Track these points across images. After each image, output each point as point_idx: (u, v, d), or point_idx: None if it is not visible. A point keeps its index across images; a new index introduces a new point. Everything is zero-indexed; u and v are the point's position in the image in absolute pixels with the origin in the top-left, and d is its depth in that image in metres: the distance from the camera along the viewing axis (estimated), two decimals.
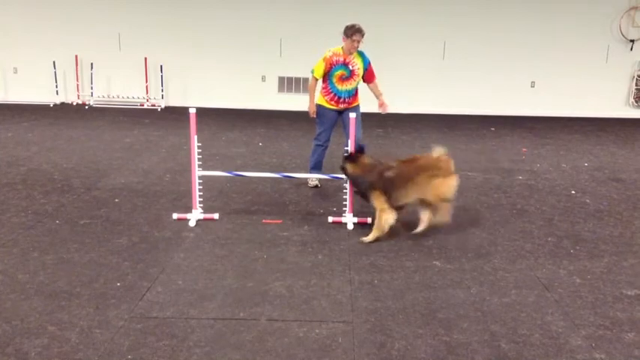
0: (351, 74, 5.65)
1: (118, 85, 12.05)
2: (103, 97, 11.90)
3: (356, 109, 5.85)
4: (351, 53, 5.61)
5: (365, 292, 3.75)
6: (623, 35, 11.54)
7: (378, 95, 5.87)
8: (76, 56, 11.88)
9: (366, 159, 4.71)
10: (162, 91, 11.76)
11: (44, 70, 11.84)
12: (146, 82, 11.87)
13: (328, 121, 5.85)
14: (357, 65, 5.67)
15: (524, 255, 4.43)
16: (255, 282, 3.86)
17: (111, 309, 3.44)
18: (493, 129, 10.14)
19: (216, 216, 5.09)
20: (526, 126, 10.52)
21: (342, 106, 5.78)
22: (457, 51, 11.73)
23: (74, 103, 12.04)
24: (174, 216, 5.06)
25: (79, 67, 11.91)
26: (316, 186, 6.15)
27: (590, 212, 5.53)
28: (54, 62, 11.69)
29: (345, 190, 5.10)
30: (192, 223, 4.92)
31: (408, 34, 11.69)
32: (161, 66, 11.63)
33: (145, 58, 11.78)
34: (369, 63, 5.78)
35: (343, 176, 5.05)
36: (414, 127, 10.10)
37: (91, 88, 11.87)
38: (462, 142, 8.89)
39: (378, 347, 3.10)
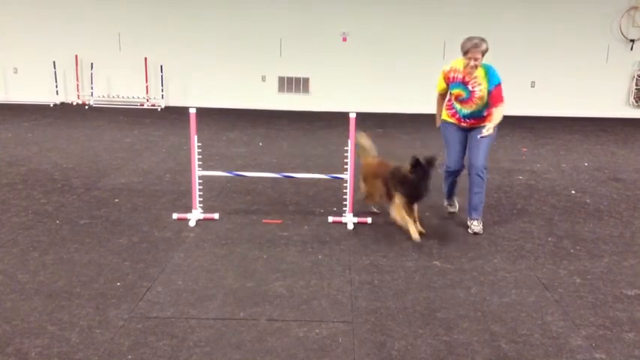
0: (470, 96, 4.69)
1: (118, 85, 12.05)
2: (103, 97, 11.91)
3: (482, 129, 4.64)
4: (471, 72, 4.63)
5: (365, 292, 3.75)
6: (623, 35, 11.54)
7: (488, 120, 4.68)
8: (76, 56, 11.88)
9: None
10: (162, 91, 11.76)
11: (44, 70, 11.84)
12: (146, 82, 11.87)
13: (452, 137, 4.93)
14: (481, 86, 4.63)
15: (524, 255, 4.43)
16: (255, 282, 3.86)
17: (111, 309, 3.44)
18: None
19: (216, 216, 5.09)
20: (526, 126, 10.52)
21: (464, 124, 4.88)
22: (457, 51, 11.72)
23: (74, 103, 12.04)
24: (175, 216, 5.06)
25: (79, 67, 11.91)
26: (453, 212, 5.34)
27: (590, 212, 5.53)
28: (54, 62, 11.69)
29: (345, 190, 5.10)
30: (192, 223, 4.92)
31: (409, 34, 11.70)
32: (161, 66, 11.63)
33: (145, 58, 11.78)
34: (498, 84, 4.65)
35: (343, 176, 5.05)
36: (414, 127, 10.10)
37: (91, 88, 11.87)
38: None
39: (378, 347, 3.10)
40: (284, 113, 11.42)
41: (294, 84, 12.07)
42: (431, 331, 3.28)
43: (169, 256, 4.25)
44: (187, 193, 5.54)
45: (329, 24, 11.73)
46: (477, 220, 4.88)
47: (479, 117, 4.77)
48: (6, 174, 6.40)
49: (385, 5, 11.59)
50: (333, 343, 3.13)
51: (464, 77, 4.67)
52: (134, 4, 11.77)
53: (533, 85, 11.90)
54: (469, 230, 4.89)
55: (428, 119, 11.01)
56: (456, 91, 4.75)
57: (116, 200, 5.56)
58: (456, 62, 4.74)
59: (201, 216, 5.05)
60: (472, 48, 4.49)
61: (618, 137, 9.59)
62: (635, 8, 11.43)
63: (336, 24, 11.73)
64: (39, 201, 5.48)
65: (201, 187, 5.12)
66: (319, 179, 6.20)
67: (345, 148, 5.10)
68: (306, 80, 12.06)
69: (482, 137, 4.59)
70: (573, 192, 6.22)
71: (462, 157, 4.96)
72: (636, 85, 11.75)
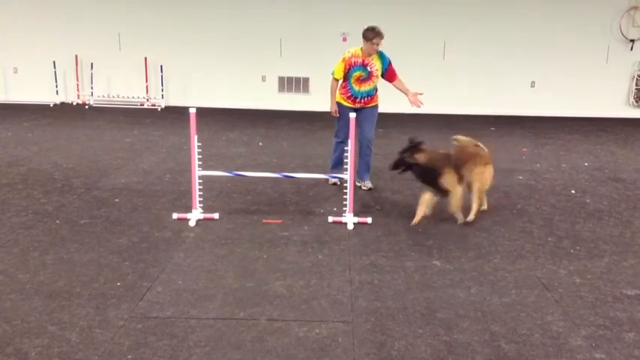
0: (369, 75, 5.74)
1: (118, 85, 12.05)
2: (103, 97, 11.91)
3: (373, 108, 5.97)
4: (370, 55, 5.68)
5: (365, 292, 3.75)
6: (623, 35, 11.54)
7: (405, 91, 5.93)
8: (76, 56, 11.88)
9: (426, 148, 5.16)
10: (162, 91, 11.76)
11: (44, 70, 11.84)
12: (146, 82, 11.87)
13: (346, 117, 5.63)
14: (376, 66, 5.75)
15: (524, 255, 4.43)
16: (255, 282, 3.86)
17: (111, 309, 3.45)
18: (493, 129, 10.15)
19: (216, 216, 5.09)
20: (526, 126, 10.52)
21: (358, 105, 5.87)
22: (457, 51, 11.73)
23: (74, 103, 12.04)
24: (175, 216, 5.06)
25: (79, 67, 11.91)
26: (335, 184, 6.16)
27: (590, 212, 5.54)
28: (54, 62, 11.69)
29: (345, 190, 5.10)
30: (192, 223, 4.92)
31: (408, 34, 11.69)
32: (161, 66, 11.63)
33: (145, 58, 11.78)
34: (389, 62, 5.85)
35: (343, 176, 5.06)
36: (414, 126, 10.10)
37: (91, 88, 11.87)
38: None
39: (378, 347, 3.10)
40: (284, 113, 11.42)
41: (294, 84, 12.07)
42: (431, 331, 3.28)
43: (169, 256, 4.25)
44: (187, 193, 5.54)
45: (329, 24, 11.72)
46: (368, 179, 6.07)
47: (371, 95, 5.86)
48: (6, 174, 6.40)
49: (385, 5, 11.59)
50: (333, 343, 3.13)
51: (363, 60, 5.69)
52: (134, 4, 11.77)
53: (533, 85, 11.90)
54: (363, 188, 6.00)
55: (428, 119, 11.05)
56: (357, 74, 5.70)
57: (116, 200, 5.57)
58: (354, 50, 5.75)
59: (201, 216, 5.05)
60: (377, 36, 5.55)
61: (618, 137, 9.59)
62: (635, 8, 11.42)
63: (336, 24, 11.72)
64: (39, 201, 5.48)
65: (201, 187, 5.12)
66: (319, 179, 6.20)
67: (346, 148, 5.10)
68: (306, 80, 12.06)
69: (415, 102, 5.88)
70: (573, 192, 6.22)
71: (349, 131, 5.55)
72: (636, 85, 11.75)
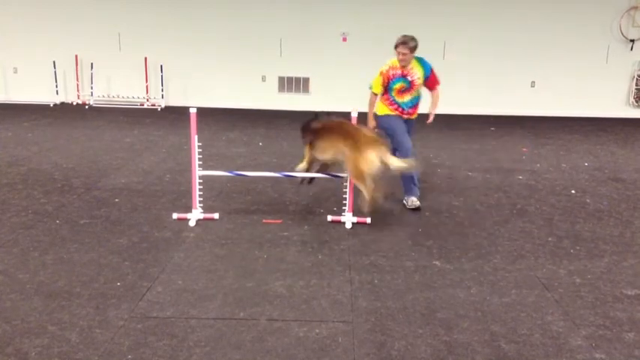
0: (410, 85, 5.41)
1: (118, 85, 12.05)
2: (103, 97, 11.91)
3: (415, 121, 5.68)
4: (406, 65, 5.34)
5: (365, 292, 3.75)
6: (623, 35, 11.54)
7: (431, 106, 5.62)
8: (76, 56, 11.88)
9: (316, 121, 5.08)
10: (162, 91, 11.76)
11: (44, 70, 11.84)
12: (146, 82, 11.87)
13: (399, 127, 5.47)
14: (417, 75, 5.42)
15: (524, 255, 4.43)
16: (255, 282, 3.86)
17: (111, 309, 3.44)
18: (493, 129, 10.15)
19: (216, 216, 5.09)
20: (526, 126, 10.52)
21: (405, 116, 5.53)
22: (457, 51, 11.73)
23: (74, 103, 12.04)
24: (174, 216, 5.06)
25: (79, 67, 11.91)
26: (418, 207, 5.40)
27: (590, 212, 5.53)
28: (54, 62, 11.69)
29: (345, 190, 5.10)
30: (192, 223, 4.92)
31: (408, 34, 11.69)
32: (161, 66, 11.63)
33: (145, 58, 11.78)
34: (431, 70, 5.52)
35: (343, 175, 5.06)
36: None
37: (91, 88, 11.87)
38: (462, 142, 8.89)
39: (378, 347, 3.10)
40: (284, 113, 11.42)
41: (294, 84, 12.07)
42: (431, 331, 3.28)
43: (169, 256, 4.25)
44: (187, 193, 5.54)
45: (329, 24, 11.73)
46: (415, 196, 5.49)
47: (416, 104, 5.54)
48: (6, 174, 6.40)
49: (385, 5, 11.59)
50: (333, 343, 3.13)
51: (402, 71, 5.37)
52: (134, 4, 11.77)
53: (533, 85, 11.90)
54: (408, 206, 5.45)
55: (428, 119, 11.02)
56: (398, 85, 5.38)
57: (116, 200, 5.56)
58: (391, 61, 5.40)
59: (201, 216, 5.05)
60: (400, 45, 5.25)
61: (618, 137, 9.59)
62: (635, 8, 11.43)
63: (336, 24, 11.72)
64: (39, 201, 5.48)
65: (201, 187, 5.12)
66: (319, 179, 6.19)
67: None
68: (306, 80, 12.06)
69: (429, 123, 5.58)
70: (573, 192, 6.22)
71: (410, 140, 5.48)
72: (636, 85, 11.75)
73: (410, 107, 5.50)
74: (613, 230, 5.04)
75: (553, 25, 11.54)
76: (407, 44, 5.22)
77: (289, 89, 12.10)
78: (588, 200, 5.93)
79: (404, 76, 5.37)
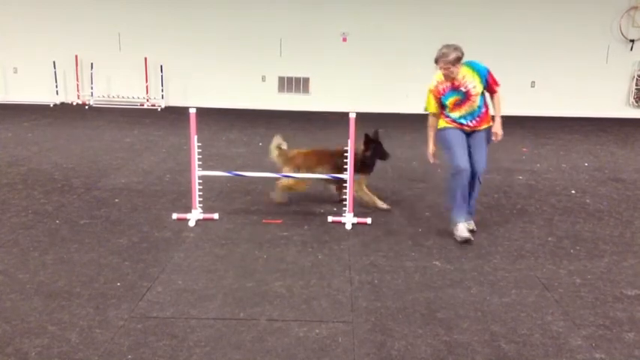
0: (466, 96, 4.65)
1: (118, 85, 12.05)
2: (103, 97, 11.91)
3: (486, 131, 4.81)
4: (452, 77, 4.62)
5: (365, 292, 3.75)
6: (623, 35, 11.54)
7: (495, 115, 4.82)
8: (76, 56, 11.88)
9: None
10: (162, 91, 11.76)
11: (44, 70, 11.84)
12: (146, 82, 11.87)
13: (456, 138, 4.70)
14: (472, 83, 4.64)
15: (524, 255, 4.43)
16: (255, 282, 3.86)
17: (111, 309, 3.44)
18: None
19: (216, 216, 5.09)
20: (526, 126, 10.51)
21: (467, 129, 4.78)
22: None
23: (74, 103, 12.04)
24: (174, 216, 5.06)
25: (79, 67, 11.91)
26: (470, 236, 4.66)
27: (590, 212, 5.53)
28: (54, 62, 11.69)
29: (344, 190, 5.10)
30: (192, 223, 4.92)
31: (409, 34, 11.69)
32: (161, 66, 11.63)
33: (145, 58, 11.78)
34: (488, 72, 4.72)
35: (343, 176, 5.06)
36: (414, 127, 10.09)
37: (91, 88, 11.87)
38: None
39: (378, 347, 3.10)
40: (284, 113, 11.42)
41: (294, 84, 12.07)
42: (431, 331, 3.28)
43: (169, 256, 4.25)
44: (187, 193, 5.53)
45: (329, 24, 11.72)
46: (472, 219, 4.93)
47: (478, 115, 4.72)
48: (6, 174, 6.40)
49: (385, 5, 11.59)
50: (333, 343, 3.13)
51: (452, 83, 4.65)
52: (134, 4, 11.77)
53: (533, 85, 11.90)
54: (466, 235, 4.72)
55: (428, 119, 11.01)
56: (451, 99, 4.68)
57: (116, 200, 5.56)
58: (437, 76, 4.76)
59: (201, 216, 5.05)
60: (439, 59, 4.63)
61: (618, 137, 9.59)
62: (635, 8, 11.43)
63: (336, 24, 11.72)
64: (39, 201, 5.48)
65: (201, 187, 5.12)
66: (319, 180, 6.18)
67: (345, 148, 5.10)
68: (306, 80, 12.06)
69: (496, 140, 4.79)
70: (573, 192, 6.22)
71: (468, 158, 4.70)
72: (636, 85, 11.75)
73: (471, 120, 4.72)
74: (613, 230, 5.03)
75: (553, 25, 11.54)
76: (447, 58, 4.54)
77: (289, 89, 12.10)
78: (588, 200, 5.93)
79: (455, 89, 4.65)
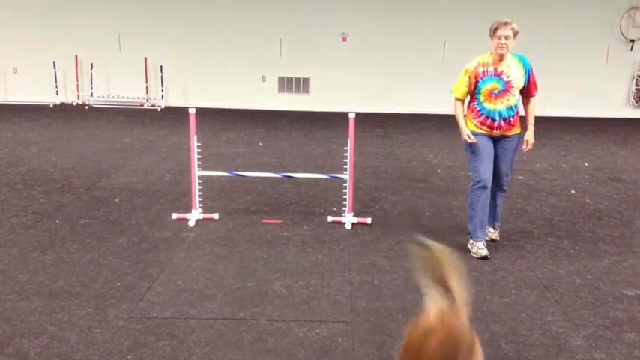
0: (505, 87, 4.23)
1: (118, 85, 12.04)
2: (103, 97, 11.90)
3: (516, 138, 4.44)
4: (502, 59, 4.23)
5: (365, 292, 3.75)
6: (623, 35, 11.54)
7: (528, 123, 4.50)
8: (76, 56, 11.88)
9: None
10: (162, 91, 11.76)
11: (44, 70, 11.83)
12: (146, 82, 11.87)
13: (484, 149, 4.32)
14: (516, 74, 4.25)
15: (524, 255, 4.43)
16: (255, 282, 3.86)
17: (111, 309, 3.44)
18: None
19: (216, 216, 5.09)
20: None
21: (497, 131, 4.32)
22: (457, 51, 11.72)
23: (74, 103, 12.03)
24: (174, 216, 5.06)
25: (79, 67, 11.91)
26: (487, 253, 4.36)
27: (590, 212, 5.53)
28: (54, 62, 11.68)
29: (344, 190, 5.10)
30: (191, 223, 4.92)
31: (408, 34, 11.69)
32: (161, 66, 11.63)
33: (145, 58, 11.78)
34: (532, 71, 4.34)
35: (343, 176, 5.06)
36: (414, 127, 10.10)
37: (91, 88, 11.87)
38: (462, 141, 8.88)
39: (378, 347, 3.10)
40: (284, 113, 11.41)
41: (294, 84, 12.06)
42: None
43: (169, 256, 4.25)
44: (187, 193, 5.53)
45: (329, 24, 11.72)
46: (497, 227, 4.74)
47: (513, 115, 4.33)
48: (6, 174, 6.40)
49: (385, 5, 11.58)
50: (333, 343, 3.13)
51: (495, 68, 4.23)
52: (134, 4, 11.77)
53: None
54: (490, 238, 4.67)
55: (428, 119, 11.04)
56: (489, 86, 4.22)
57: (116, 200, 5.56)
58: (483, 57, 4.32)
59: (201, 216, 5.05)
60: (501, 25, 4.22)
61: (618, 137, 9.59)
62: (635, 8, 11.42)
63: (336, 24, 11.72)
64: (39, 201, 5.48)
65: (200, 187, 5.12)
66: (319, 179, 6.20)
67: (345, 148, 5.10)
68: (306, 80, 12.06)
69: (526, 150, 4.52)
70: (573, 192, 6.22)
71: (492, 169, 4.39)
72: (636, 85, 11.75)
73: (504, 118, 4.30)
74: (613, 230, 5.03)
75: (553, 25, 11.54)
76: (509, 24, 4.18)
77: (289, 89, 12.09)
78: (588, 200, 5.93)
79: (497, 75, 4.23)
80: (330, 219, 5.07)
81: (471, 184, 4.43)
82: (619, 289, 3.87)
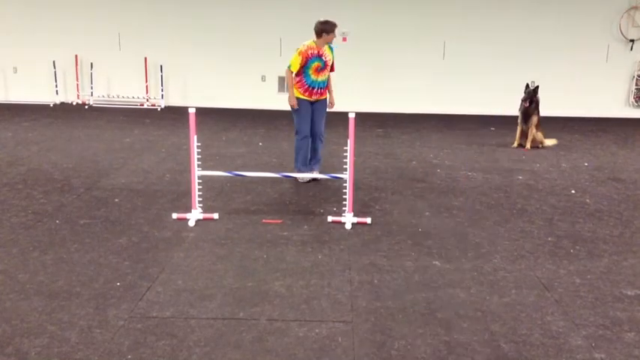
0: (325, 65, 6.13)
1: (118, 85, 12.05)
2: (103, 97, 11.91)
3: (325, 101, 6.35)
4: (323, 46, 6.13)
5: (365, 292, 3.75)
6: (623, 35, 11.54)
7: (330, 90, 6.38)
8: (76, 56, 11.88)
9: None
10: (162, 91, 11.76)
11: (44, 70, 11.84)
12: (146, 82, 11.87)
13: (306, 112, 6.19)
14: (329, 57, 6.20)
15: (524, 255, 4.43)
16: (255, 282, 3.86)
17: (111, 309, 3.44)
18: (493, 129, 10.15)
19: (215, 216, 5.09)
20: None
21: (314, 97, 6.18)
22: (457, 51, 11.73)
23: (74, 103, 12.04)
24: (174, 216, 5.06)
25: (79, 67, 11.92)
26: (311, 180, 6.27)
27: (590, 212, 5.54)
28: (54, 62, 11.69)
29: (345, 190, 5.10)
30: (191, 223, 4.92)
31: (408, 34, 11.70)
32: (161, 66, 11.63)
33: (145, 58, 11.78)
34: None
35: (343, 176, 5.05)
36: (414, 127, 10.10)
37: (91, 87, 11.87)
38: (462, 142, 8.89)
39: (378, 347, 3.10)
40: (284, 113, 11.40)
41: None
42: (431, 331, 3.28)
43: (169, 256, 4.25)
44: (187, 193, 5.54)
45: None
46: (318, 170, 6.40)
47: (325, 86, 6.23)
48: (6, 174, 6.40)
49: (385, 5, 11.59)
50: (333, 343, 3.13)
51: (319, 51, 6.08)
52: (134, 4, 11.77)
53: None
54: (310, 176, 6.10)
55: (428, 119, 11.05)
56: (315, 64, 6.05)
57: (116, 200, 5.57)
58: (309, 42, 6.11)
59: (201, 216, 5.05)
60: (335, 28, 6.13)
61: (618, 137, 9.59)
62: (635, 8, 11.43)
63: (336, 24, 11.70)
64: (39, 201, 5.48)
65: (200, 187, 5.12)
66: (319, 179, 6.20)
67: (345, 148, 5.10)
68: None
69: (330, 109, 6.40)
70: (573, 192, 6.22)
71: (310, 125, 6.24)
72: (636, 85, 11.75)
73: (321, 87, 6.21)
74: (613, 230, 5.04)
75: (553, 25, 11.54)
76: (337, 28, 6.29)
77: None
78: (588, 200, 5.93)
79: (319, 56, 6.10)
80: (330, 219, 5.07)
81: (298, 137, 6.30)
82: (619, 289, 3.87)
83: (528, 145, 8.36)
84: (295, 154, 6.33)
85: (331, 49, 6.28)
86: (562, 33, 11.57)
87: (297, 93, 6.20)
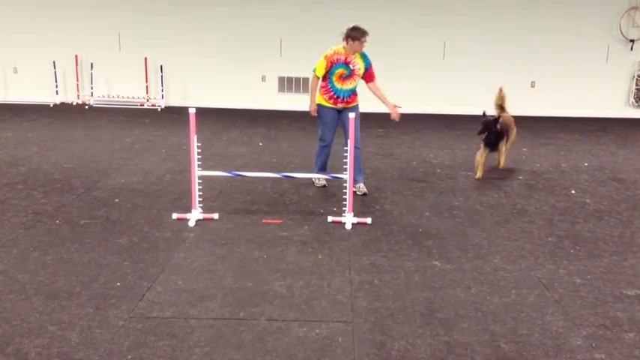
0: (351, 73, 5.75)
1: (118, 85, 12.04)
2: (103, 97, 11.90)
3: (354, 108, 5.91)
4: (353, 53, 5.71)
5: (365, 292, 3.75)
6: (623, 35, 11.54)
7: (383, 100, 6.05)
8: (76, 56, 11.88)
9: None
10: (162, 91, 11.76)
11: (44, 70, 11.83)
12: (146, 82, 11.87)
13: (329, 120, 5.90)
14: (358, 65, 5.78)
15: (524, 255, 4.43)
16: (255, 282, 3.86)
17: (111, 309, 3.45)
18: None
19: (215, 216, 5.09)
20: (526, 126, 10.50)
21: (340, 105, 5.84)
22: (457, 51, 11.73)
23: (74, 103, 12.04)
24: (174, 216, 5.06)
25: (79, 67, 11.91)
26: (324, 185, 6.16)
27: (590, 212, 5.53)
28: (54, 62, 11.68)
29: (345, 190, 5.10)
30: (191, 223, 4.92)
31: (408, 33, 11.69)
32: (161, 66, 11.63)
33: (145, 58, 11.78)
34: (371, 64, 5.89)
35: (343, 176, 5.05)
36: (414, 127, 10.10)
37: (91, 88, 11.87)
38: (462, 142, 8.89)
39: (378, 347, 3.10)
40: (284, 113, 11.41)
41: (294, 84, 12.06)
42: (431, 331, 3.28)
43: (169, 256, 4.25)
44: (187, 193, 5.54)
45: (329, 24, 11.71)
46: (363, 183, 5.99)
47: (352, 94, 5.87)
48: (6, 174, 6.40)
49: (385, 4, 11.59)
50: (333, 343, 3.13)
51: (346, 58, 5.71)
52: (134, 4, 11.77)
53: (533, 85, 11.89)
54: (358, 192, 5.79)
55: (428, 119, 11.04)
56: (339, 71, 5.71)
57: (116, 200, 5.57)
58: (337, 47, 5.77)
59: (201, 216, 5.05)
60: (365, 34, 5.65)
61: (618, 137, 9.59)
62: (635, 8, 11.42)
63: (336, 24, 11.70)
64: (39, 201, 5.48)
65: (200, 187, 5.12)
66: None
67: (345, 148, 5.10)
68: (306, 80, 12.05)
69: (395, 114, 6.13)
70: (573, 192, 6.22)
71: (334, 134, 6.01)
72: (636, 85, 11.75)
73: (347, 96, 5.86)
74: (613, 230, 5.04)
75: (553, 25, 11.53)
76: (367, 35, 5.72)
77: (289, 89, 12.09)
78: (588, 200, 5.93)
79: (346, 63, 5.75)
80: (330, 219, 5.07)
81: (320, 144, 6.05)
82: (619, 289, 3.87)
83: (502, 163, 7.13)
84: (315, 157, 6.16)
85: (365, 58, 5.84)
86: (562, 33, 11.56)
87: (323, 100, 5.86)
